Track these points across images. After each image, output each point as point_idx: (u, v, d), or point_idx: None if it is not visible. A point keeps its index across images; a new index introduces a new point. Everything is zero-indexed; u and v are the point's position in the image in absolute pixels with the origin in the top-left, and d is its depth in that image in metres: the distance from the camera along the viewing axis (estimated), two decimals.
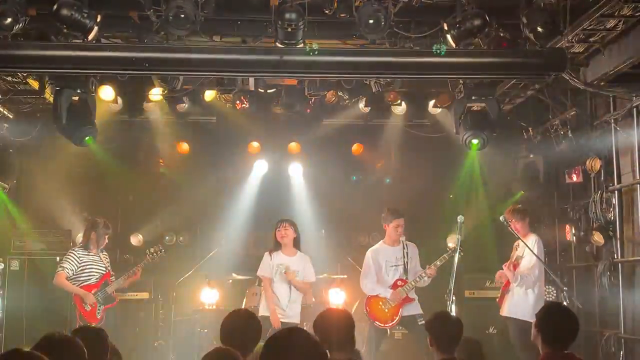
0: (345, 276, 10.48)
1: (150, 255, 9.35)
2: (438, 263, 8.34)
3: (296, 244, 8.80)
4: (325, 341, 4.66)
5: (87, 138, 8.24)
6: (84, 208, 10.66)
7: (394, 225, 8.54)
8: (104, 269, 9.03)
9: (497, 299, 8.64)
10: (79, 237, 10.14)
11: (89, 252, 8.97)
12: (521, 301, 8.27)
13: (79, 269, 8.82)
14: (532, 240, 8.37)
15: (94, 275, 8.90)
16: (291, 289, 8.61)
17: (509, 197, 10.23)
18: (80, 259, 8.86)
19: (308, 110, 10.33)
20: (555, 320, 4.71)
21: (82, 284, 8.79)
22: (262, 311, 8.46)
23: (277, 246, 8.73)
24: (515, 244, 8.72)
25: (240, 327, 4.95)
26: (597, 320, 8.89)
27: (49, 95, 8.87)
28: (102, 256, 9.08)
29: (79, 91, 7.77)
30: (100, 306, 8.80)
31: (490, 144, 8.33)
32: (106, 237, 9.15)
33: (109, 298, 8.93)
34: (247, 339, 4.88)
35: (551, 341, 4.66)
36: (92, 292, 8.77)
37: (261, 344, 5.53)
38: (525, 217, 8.51)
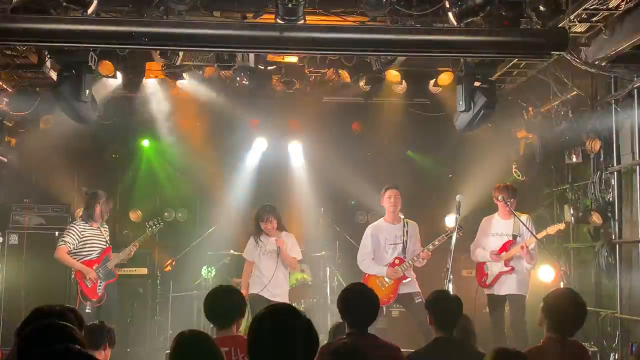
0: (344, 254, 10.51)
1: (150, 229, 9.39)
2: (437, 243, 8.35)
3: (280, 226, 8.88)
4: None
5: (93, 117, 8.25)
6: (83, 183, 10.66)
7: (387, 195, 8.53)
8: (105, 243, 9.01)
9: (486, 281, 8.61)
10: (78, 212, 10.18)
11: (91, 226, 8.96)
12: (526, 279, 8.40)
13: (81, 243, 8.80)
14: (525, 218, 8.42)
15: (95, 249, 8.89)
16: (277, 268, 8.71)
17: (508, 177, 10.22)
18: (82, 233, 8.85)
19: (308, 88, 10.30)
20: (564, 308, 4.72)
21: (83, 259, 8.77)
22: (252, 289, 8.69)
23: (259, 231, 8.85)
24: (485, 220, 8.78)
25: (222, 302, 5.00)
26: (594, 300, 8.94)
27: (48, 70, 8.84)
28: (102, 230, 9.08)
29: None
30: (101, 282, 8.79)
31: (490, 123, 8.31)
32: (108, 212, 9.18)
33: (109, 274, 8.93)
34: (230, 313, 4.94)
35: (558, 328, 4.69)
36: (94, 267, 8.76)
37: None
38: (516, 194, 8.57)
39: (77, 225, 8.94)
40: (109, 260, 8.92)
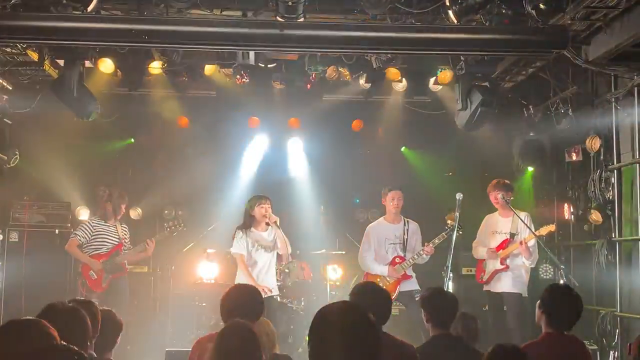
0: (344, 252, 10.51)
1: (169, 229, 9.38)
2: (436, 241, 8.36)
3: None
4: None
5: (92, 112, 8.29)
6: (83, 181, 10.66)
7: (390, 197, 8.53)
8: (117, 239, 9.14)
9: (483, 278, 8.64)
10: (78, 210, 10.22)
11: (105, 222, 9.21)
12: (522, 277, 8.39)
13: (92, 238, 9.08)
14: (524, 215, 8.41)
15: (105, 245, 9.12)
16: (272, 263, 8.47)
17: (509, 175, 10.21)
18: (94, 228, 9.14)
19: (308, 86, 10.29)
20: (560, 303, 4.77)
21: (93, 253, 9.02)
22: None
23: (249, 222, 8.52)
24: (487, 218, 8.79)
25: (242, 302, 4.94)
26: (593, 298, 8.94)
27: (48, 67, 8.84)
28: (119, 228, 9.25)
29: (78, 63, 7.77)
30: (107, 275, 8.94)
31: (490, 122, 8.31)
32: (123, 207, 9.33)
33: (117, 267, 9.07)
34: (250, 313, 4.86)
35: (555, 323, 4.74)
36: (101, 261, 8.96)
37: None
38: (513, 190, 8.59)
39: (91, 220, 9.30)
40: (118, 255, 9.07)
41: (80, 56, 7.71)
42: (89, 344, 3.91)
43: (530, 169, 10.35)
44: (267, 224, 8.41)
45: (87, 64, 8.50)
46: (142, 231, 9.70)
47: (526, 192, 10.50)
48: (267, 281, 8.40)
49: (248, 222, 8.54)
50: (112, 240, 9.16)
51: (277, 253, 8.57)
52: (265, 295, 8.18)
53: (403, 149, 11.69)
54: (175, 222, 9.55)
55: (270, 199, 8.59)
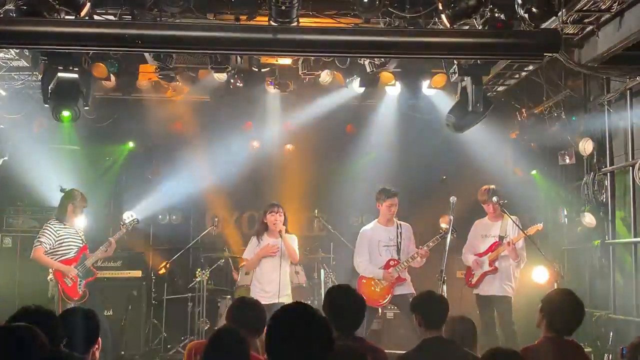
0: (339, 256, 10.51)
1: (125, 226, 9.26)
2: (431, 244, 8.37)
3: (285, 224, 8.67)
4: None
5: (65, 115, 8.10)
6: (76, 186, 10.62)
7: (387, 204, 8.54)
8: (81, 241, 8.88)
9: (472, 281, 8.67)
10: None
11: (65, 225, 8.78)
12: (510, 280, 8.42)
13: (57, 243, 8.61)
14: (515, 218, 8.44)
15: (72, 248, 8.70)
16: (281, 269, 8.51)
17: (503, 178, 10.23)
18: (57, 232, 8.65)
19: (302, 90, 10.30)
20: (562, 307, 4.77)
21: (60, 258, 8.60)
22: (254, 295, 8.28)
23: (263, 229, 8.63)
24: (477, 223, 8.83)
25: (249, 315, 4.93)
26: (587, 300, 8.94)
27: (41, 72, 8.82)
28: (77, 229, 8.99)
29: (71, 68, 7.72)
30: (81, 281, 8.69)
31: (483, 125, 8.31)
32: (82, 210, 9.07)
33: (88, 272, 8.79)
34: (256, 325, 4.85)
35: (556, 327, 4.73)
36: (72, 266, 8.69)
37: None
38: (501, 194, 8.62)
39: (52, 224, 8.74)
40: (86, 258, 8.83)
41: (64, 61, 7.64)
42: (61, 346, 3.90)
43: (534, 171, 10.36)
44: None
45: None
46: (136, 236, 9.66)
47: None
48: (272, 287, 8.42)
49: (261, 229, 8.67)
50: (76, 243, 8.79)
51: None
52: (270, 302, 8.27)
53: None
54: (129, 217, 9.47)
55: (281, 206, 8.60)
